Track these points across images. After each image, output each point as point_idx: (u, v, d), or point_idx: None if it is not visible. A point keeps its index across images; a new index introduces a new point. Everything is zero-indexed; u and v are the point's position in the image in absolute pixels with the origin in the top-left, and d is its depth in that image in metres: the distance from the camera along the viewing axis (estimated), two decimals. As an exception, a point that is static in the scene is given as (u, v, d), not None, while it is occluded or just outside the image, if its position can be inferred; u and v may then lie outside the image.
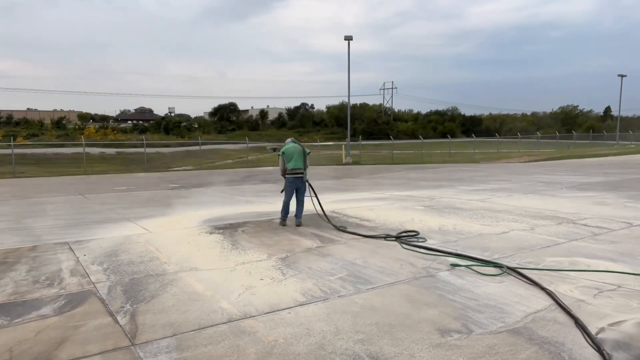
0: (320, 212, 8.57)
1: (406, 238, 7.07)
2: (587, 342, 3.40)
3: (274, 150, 47.20)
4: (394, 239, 7.07)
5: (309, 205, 8.58)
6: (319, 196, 8.73)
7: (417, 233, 7.29)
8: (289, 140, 8.66)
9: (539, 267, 5.42)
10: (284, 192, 8.44)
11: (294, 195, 8.37)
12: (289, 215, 8.33)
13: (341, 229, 7.85)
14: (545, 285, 4.69)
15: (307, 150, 8.48)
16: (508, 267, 5.29)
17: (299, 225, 8.13)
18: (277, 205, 10.78)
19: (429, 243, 6.72)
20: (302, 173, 8.27)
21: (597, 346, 3.27)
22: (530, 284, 4.78)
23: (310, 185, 8.52)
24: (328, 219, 8.36)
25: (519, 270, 5.18)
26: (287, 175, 8.26)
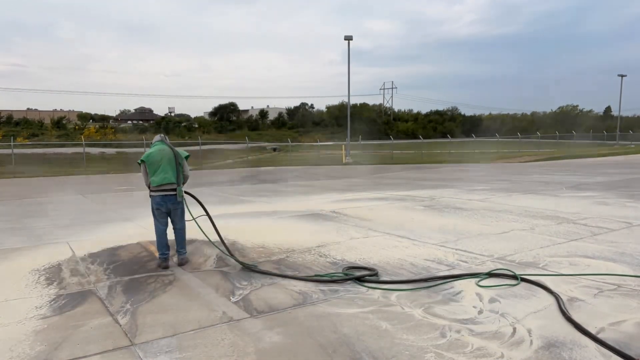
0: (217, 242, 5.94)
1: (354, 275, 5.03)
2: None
3: (274, 150, 47.23)
4: (341, 279, 4.96)
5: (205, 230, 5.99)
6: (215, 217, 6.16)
7: (374, 271, 5.19)
8: (157, 138, 6.07)
9: (554, 272, 5.42)
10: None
11: (169, 220, 5.90)
12: (169, 252, 5.88)
13: (251, 267, 5.53)
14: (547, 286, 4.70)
15: (183, 154, 5.90)
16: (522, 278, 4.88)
17: (182, 263, 5.81)
18: (276, 205, 10.82)
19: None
20: (173, 190, 5.71)
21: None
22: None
23: (198, 202, 6.16)
24: (230, 252, 5.89)
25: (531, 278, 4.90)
26: (152, 194, 5.77)
